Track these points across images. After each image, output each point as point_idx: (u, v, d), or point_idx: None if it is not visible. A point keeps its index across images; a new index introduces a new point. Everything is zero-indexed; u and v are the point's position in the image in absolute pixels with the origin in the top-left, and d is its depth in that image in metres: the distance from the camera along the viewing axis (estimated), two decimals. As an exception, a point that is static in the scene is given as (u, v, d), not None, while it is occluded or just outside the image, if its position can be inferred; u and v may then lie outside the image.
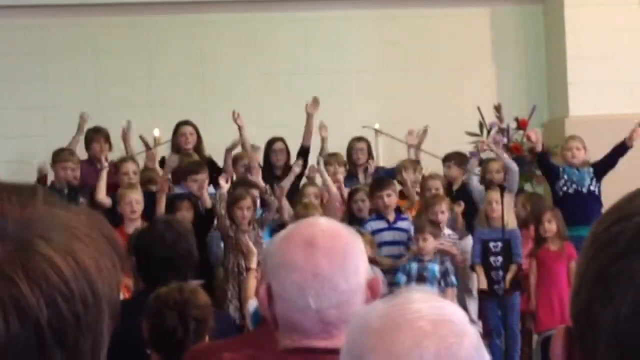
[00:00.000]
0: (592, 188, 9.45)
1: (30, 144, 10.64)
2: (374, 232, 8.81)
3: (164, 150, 10.13)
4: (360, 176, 9.98)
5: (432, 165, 10.06)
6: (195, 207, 8.78)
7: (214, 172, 9.47)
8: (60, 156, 9.33)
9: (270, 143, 9.94)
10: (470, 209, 9.18)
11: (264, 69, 11.53)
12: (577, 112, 11.23)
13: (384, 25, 11.72)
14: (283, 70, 11.51)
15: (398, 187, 9.36)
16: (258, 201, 8.87)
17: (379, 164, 10.32)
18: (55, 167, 9.33)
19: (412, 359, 1.41)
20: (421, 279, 8.50)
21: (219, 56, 11.50)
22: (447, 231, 8.92)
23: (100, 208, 8.50)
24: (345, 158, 9.92)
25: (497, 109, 10.70)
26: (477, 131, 10.61)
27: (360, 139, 10.17)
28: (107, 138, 9.93)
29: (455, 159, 9.83)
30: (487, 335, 8.60)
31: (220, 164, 9.67)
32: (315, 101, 9.79)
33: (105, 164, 9.06)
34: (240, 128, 9.77)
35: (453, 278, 8.61)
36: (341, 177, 9.44)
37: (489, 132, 10.54)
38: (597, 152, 9.66)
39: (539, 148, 9.64)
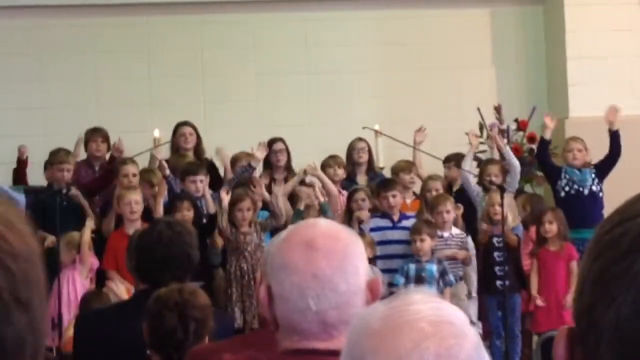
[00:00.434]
0: (594, 189, 9.44)
1: (29, 144, 10.63)
2: (378, 230, 8.84)
3: (164, 151, 10.13)
4: (360, 177, 9.98)
5: (431, 165, 10.06)
6: (195, 207, 8.78)
7: (214, 177, 9.51)
8: (57, 157, 9.31)
9: (270, 143, 9.94)
10: (468, 209, 9.20)
11: (264, 69, 11.53)
12: (577, 113, 11.22)
13: (384, 25, 11.72)
14: (283, 70, 11.51)
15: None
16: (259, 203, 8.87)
17: (379, 164, 10.32)
18: (53, 169, 9.31)
19: (412, 361, 1.41)
20: (419, 279, 8.51)
21: (218, 56, 11.50)
22: (454, 230, 8.93)
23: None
24: (344, 159, 9.92)
25: (497, 110, 10.70)
26: (477, 132, 10.59)
27: (360, 139, 10.18)
28: (105, 138, 9.90)
29: (455, 160, 9.83)
30: (487, 337, 8.60)
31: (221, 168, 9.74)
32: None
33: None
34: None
35: (451, 277, 8.62)
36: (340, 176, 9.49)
37: (488, 133, 10.53)
38: (598, 153, 9.66)
39: (548, 135, 9.60)
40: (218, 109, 11.34)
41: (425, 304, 1.46)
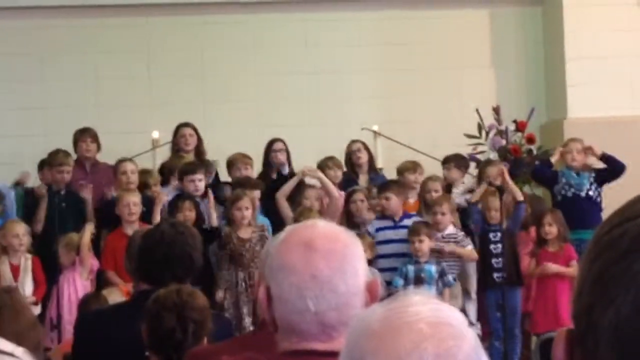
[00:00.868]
0: (590, 193, 9.43)
1: (29, 144, 10.64)
2: (379, 230, 8.84)
3: (164, 152, 10.14)
4: (362, 178, 9.97)
5: (430, 166, 10.06)
6: (197, 207, 8.78)
7: (214, 181, 9.55)
8: (56, 159, 9.26)
9: (270, 143, 9.93)
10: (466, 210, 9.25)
11: (264, 69, 11.53)
12: (575, 114, 11.22)
13: (384, 26, 11.73)
14: (283, 70, 11.51)
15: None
16: (258, 203, 8.87)
17: (378, 165, 10.32)
18: (52, 171, 9.27)
19: (411, 362, 1.41)
20: (419, 280, 8.51)
21: (219, 56, 11.51)
22: (450, 229, 8.91)
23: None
24: (342, 161, 9.92)
25: (496, 111, 10.70)
26: (476, 133, 10.60)
27: (355, 140, 10.16)
28: (94, 138, 9.77)
29: (454, 161, 9.83)
30: (487, 338, 8.59)
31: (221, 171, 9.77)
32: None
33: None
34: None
35: (450, 278, 8.62)
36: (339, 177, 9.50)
37: (487, 134, 10.54)
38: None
39: (553, 160, 9.64)
40: (218, 109, 11.34)
41: (424, 305, 1.47)
